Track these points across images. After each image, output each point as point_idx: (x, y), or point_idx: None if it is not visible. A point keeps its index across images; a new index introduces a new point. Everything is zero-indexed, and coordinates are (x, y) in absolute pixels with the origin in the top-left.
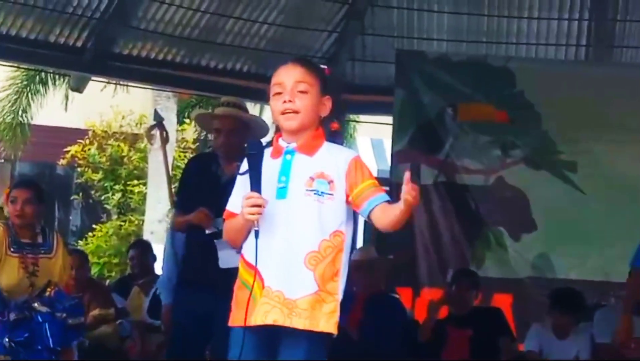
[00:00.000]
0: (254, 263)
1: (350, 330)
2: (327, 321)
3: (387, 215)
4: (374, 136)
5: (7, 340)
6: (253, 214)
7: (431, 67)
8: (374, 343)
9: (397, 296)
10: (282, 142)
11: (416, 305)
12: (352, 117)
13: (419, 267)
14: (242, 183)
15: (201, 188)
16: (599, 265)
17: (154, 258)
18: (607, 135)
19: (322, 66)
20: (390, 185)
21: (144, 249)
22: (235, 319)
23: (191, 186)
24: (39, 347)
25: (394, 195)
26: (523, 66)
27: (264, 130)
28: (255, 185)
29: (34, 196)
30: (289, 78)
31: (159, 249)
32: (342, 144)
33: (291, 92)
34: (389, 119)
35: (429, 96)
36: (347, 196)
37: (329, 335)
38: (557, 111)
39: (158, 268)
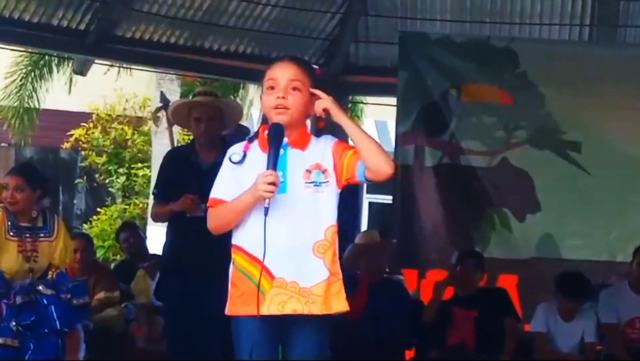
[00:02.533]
0: (255, 253)
1: (355, 314)
2: (337, 301)
3: (363, 156)
4: (378, 118)
5: (14, 323)
6: (269, 192)
7: (434, 48)
8: (379, 327)
9: (400, 278)
10: None
11: (421, 286)
12: (356, 98)
13: (424, 248)
14: (231, 170)
15: (182, 178)
16: (603, 245)
17: (145, 238)
18: (611, 115)
19: (314, 66)
20: (395, 167)
21: (133, 230)
22: (241, 310)
23: (171, 177)
24: (46, 330)
25: (398, 176)
26: (526, 46)
27: (238, 113)
28: (272, 167)
29: (25, 182)
30: (283, 75)
31: (162, 232)
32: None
33: (284, 88)
34: (392, 100)
35: (433, 77)
36: (339, 177)
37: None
38: (561, 91)
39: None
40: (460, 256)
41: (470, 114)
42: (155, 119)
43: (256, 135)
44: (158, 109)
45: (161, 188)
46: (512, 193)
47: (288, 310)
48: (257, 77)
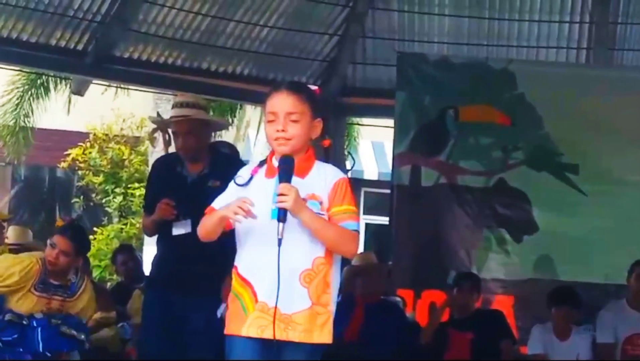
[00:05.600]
0: (246, 276)
1: (352, 336)
2: (321, 332)
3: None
4: (375, 139)
5: None
6: (237, 214)
7: (432, 69)
8: (376, 348)
9: (397, 299)
10: (275, 162)
11: (417, 307)
12: (353, 119)
13: (420, 269)
14: (235, 190)
15: (168, 189)
16: (599, 266)
17: (141, 259)
18: (608, 137)
19: (313, 87)
20: (392, 188)
21: (130, 253)
22: (231, 328)
23: (158, 187)
24: (21, 349)
25: (394, 197)
26: (524, 68)
27: (223, 124)
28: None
29: (73, 249)
30: (281, 108)
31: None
32: (332, 160)
33: (284, 121)
34: (390, 122)
35: (430, 98)
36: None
37: (324, 344)
38: (558, 113)
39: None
40: (457, 277)
41: (467, 134)
42: (152, 139)
43: (265, 160)
44: (155, 130)
45: (149, 199)
46: (509, 214)
47: (267, 334)
48: (254, 98)
